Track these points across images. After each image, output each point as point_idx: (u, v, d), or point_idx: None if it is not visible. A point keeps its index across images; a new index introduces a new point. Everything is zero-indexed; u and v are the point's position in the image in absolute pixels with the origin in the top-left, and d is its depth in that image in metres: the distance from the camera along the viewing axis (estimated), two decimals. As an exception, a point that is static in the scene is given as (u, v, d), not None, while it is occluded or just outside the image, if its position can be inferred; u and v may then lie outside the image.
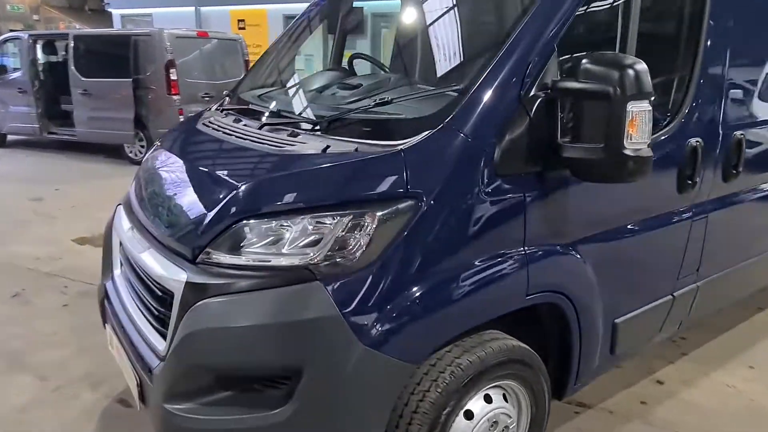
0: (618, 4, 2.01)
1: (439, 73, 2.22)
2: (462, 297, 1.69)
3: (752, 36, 2.58)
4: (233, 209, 1.67)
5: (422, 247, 1.63)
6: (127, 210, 2.32)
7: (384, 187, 1.64)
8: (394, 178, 1.64)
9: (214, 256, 1.67)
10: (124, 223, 2.25)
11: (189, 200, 1.89)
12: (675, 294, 2.49)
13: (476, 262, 1.72)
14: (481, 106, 1.72)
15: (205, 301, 1.61)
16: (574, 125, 1.73)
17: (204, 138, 2.25)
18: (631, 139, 1.65)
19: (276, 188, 1.71)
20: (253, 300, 1.59)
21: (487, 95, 1.72)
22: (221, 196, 1.72)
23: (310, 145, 1.83)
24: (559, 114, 1.75)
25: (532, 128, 1.75)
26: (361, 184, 1.67)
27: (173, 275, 1.72)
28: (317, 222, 1.61)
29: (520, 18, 1.85)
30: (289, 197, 1.67)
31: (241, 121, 2.24)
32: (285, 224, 1.62)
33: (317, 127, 1.93)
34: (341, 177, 1.68)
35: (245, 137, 2.03)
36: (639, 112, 1.65)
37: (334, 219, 1.60)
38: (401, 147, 1.69)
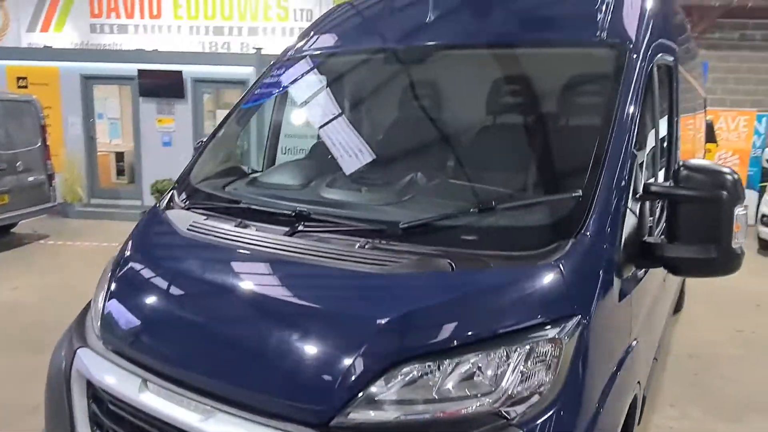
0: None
1: (520, 176, 2.21)
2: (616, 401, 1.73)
3: None
4: (380, 353, 1.46)
5: (595, 364, 1.61)
6: (123, 352, 1.85)
7: (553, 306, 1.58)
8: (558, 294, 1.60)
9: (356, 416, 1.42)
10: (117, 375, 1.80)
11: (296, 346, 1.56)
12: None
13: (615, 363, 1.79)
14: (609, 211, 1.76)
15: None
16: (678, 226, 1.83)
17: (230, 254, 1.96)
18: (736, 238, 1.80)
19: (429, 322, 1.53)
20: None
21: (611, 200, 1.77)
22: (354, 338, 1.50)
23: (419, 262, 1.69)
24: (656, 216, 2.00)
25: (640, 230, 1.91)
26: (528, 306, 1.57)
27: None
28: (488, 356, 1.46)
29: (611, 116, 1.92)
30: (448, 331, 1.50)
31: (248, 226, 2.09)
32: (449, 363, 1.45)
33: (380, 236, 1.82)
34: (503, 300, 1.59)
35: (298, 252, 1.84)
36: (740, 214, 1.79)
37: (508, 350, 1.48)
38: (557, 259, 1.63)
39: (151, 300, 1.94)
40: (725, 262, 1.80)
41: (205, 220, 2.24)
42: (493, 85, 2.59)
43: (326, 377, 1.48)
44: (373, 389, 1.45)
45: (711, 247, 1.78)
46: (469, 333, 1.50)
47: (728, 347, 4.71)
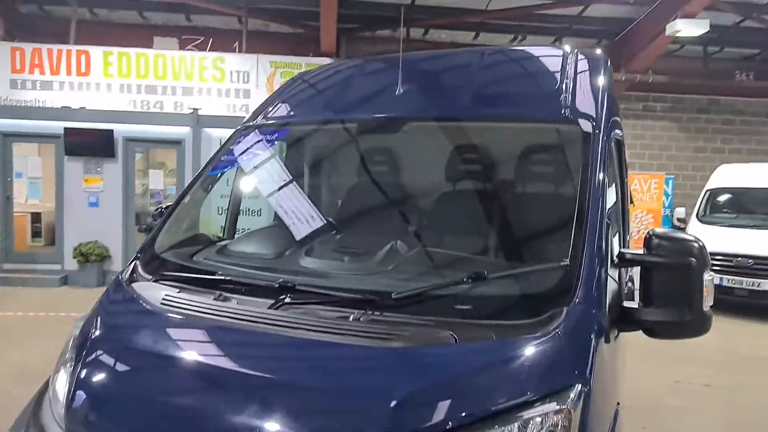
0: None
1: (502, 245, 2.28)
2: None
3: None
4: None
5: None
6: None
7: (559, 376, 1.61)
8: (562, 364, 1.63)
9: None
10: None
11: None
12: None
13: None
14: (595, 278, 1.82)
15: None
16: (652, 291, 1.92)
17: (216, 333, 1.85)
18: (706, 301, 1.90)
19: (446, 397, 1.51)
20: None
21: (595, 267, 1.84)
22: (368, 417, 1.46)
23: (417, 334, 1.69)
24: (630, 282, 2.07)
25: (619, 295, 2.00)
26: (537, 377, 1.59)
27: None
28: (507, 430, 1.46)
29: (585, 187, 2.04)
30: (466, 407, 1.49)
31: (228, 299, 2.01)
32: None
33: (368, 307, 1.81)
34: (513, 372, 1.60)
35: (289, 325, 1.78)
36: (708, 279, 1.90)
37: (524, 423, 1.47)
38: (556, 328, 1.67)
39: (133, 388, 1.77)
40: (698, 324, 1.89)
41: (178, 293, 2.11)
42: (466, 156, 2.69)
43: None
44: None
45: (684, 311, 1.87)
46: (487, 407, 1.50)
47: (669, 398, 4.93)
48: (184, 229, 2.75)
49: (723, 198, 9.80)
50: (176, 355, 1.82)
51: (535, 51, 2.77)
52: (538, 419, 1.50)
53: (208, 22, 12.36)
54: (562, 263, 1.86)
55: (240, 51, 11.93)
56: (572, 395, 1.57)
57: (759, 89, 13.48)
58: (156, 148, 10.42)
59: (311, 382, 1.63)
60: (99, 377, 1.84)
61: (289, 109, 2.98)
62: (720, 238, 8.54)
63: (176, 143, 9.73)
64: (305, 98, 3.06)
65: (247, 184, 3.15)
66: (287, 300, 1.93)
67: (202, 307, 1.98)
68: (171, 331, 1.96)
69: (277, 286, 2.00)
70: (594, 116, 2.28)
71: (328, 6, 10.30)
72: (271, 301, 1.94)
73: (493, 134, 2.57)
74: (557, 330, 1.67)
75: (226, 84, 11.46)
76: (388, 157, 2.88)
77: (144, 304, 2.09)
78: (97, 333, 2.02)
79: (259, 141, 2.88)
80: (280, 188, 2.98)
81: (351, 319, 1.80)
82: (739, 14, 11.46)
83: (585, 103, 2.35)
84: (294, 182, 3.07)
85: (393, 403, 1.48)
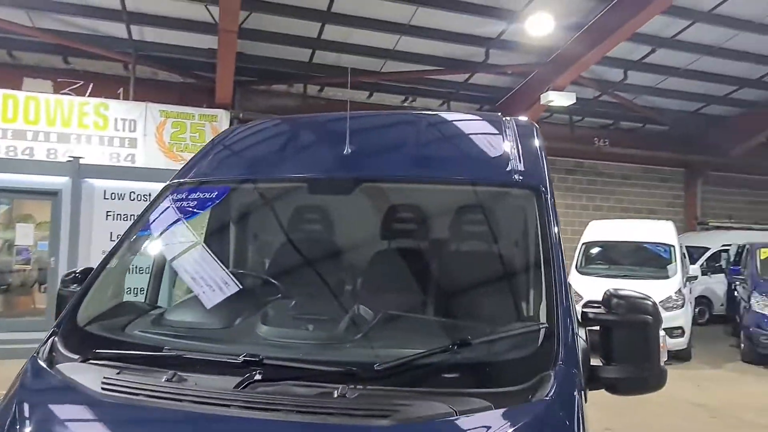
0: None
1: (476, 307, 2.29)
2: None
3: None
4: None
5: None
6: None
7: None
8: (561, 430, 1.66)
9: None
10: None
11: None
12: None
13: None
14: (570, 338, 1.86)
15: None
16: (612, 349, 1.97)
17: (180, 423, 1.64)
18: (661, 357, 1.98)
19: None
20: None
21: (568, 327, 1.89)
22: None
23: (415, 409, 1.61)
24: (591, 340, 2.03)
25: (586, 355, 2.00)
26: None
27: None
28: None
29: (548, 249, 2.12)
30: None
31: (184, 379, 1.78)
32: None
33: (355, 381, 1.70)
34: None
35: (268, 407, 1.62)
36: (662, 335, 2.01)
37: None
38: (548, 393, 1.67)
39: None
40: (657, 379, 1.95)
41: (119, 375, 1.83)
42: (421, 217, 2.71)
43: None
44: None
45: (644, 367, 1.93)
46: None
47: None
48: (110, 297, 2.45)
49: (596, 251, 10.81)
50: None
51: (474, 116, 2.91)
52: None
53: (89, 66, 11.56)
54: (541, 325, 1.88)
55: (126, 98, 11.27)
56: None
57: (614, 154, 15.31)
58: (25, 199, 9.32)
59: None
60: None
61: (226, 165, 2.82)
62: (597, 288, 9.29)
63: (51, 194, 8.78)
64: (244, 154, 2.92)
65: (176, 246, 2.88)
66: (256, 377, 1.76)
67: (155, 391, 1.73)
68: (123, 425, 1.69)
69: (240, 360, 1.82)
70: (542, 178, 2.41)
71: (225, 58, 10.15)
72: (237, 379, 1.75)
73: (449, 196, 2.61)
74: (550, 394, 1.66)
75: (109, 131, 10.70)
76: (338, 218, 2.82)
77: (80, 392, 1.77)
78: (26, 430, 1.68)
79: (193, 199, 2.68)
80: (234, 250, 2.77)
81: (336, 395, 1.67)
82: (598, 89, 13.09)
83: (532, 166, 2.47)
84: (235, 244, 2.88)
85: None
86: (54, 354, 2.01)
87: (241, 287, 2.23)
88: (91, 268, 2.64)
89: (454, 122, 2.98)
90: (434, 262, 2.64)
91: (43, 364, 1.95)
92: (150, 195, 8.73)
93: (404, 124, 2.84)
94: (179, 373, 1.81)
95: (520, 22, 10.28)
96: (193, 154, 10.63)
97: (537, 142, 2.66)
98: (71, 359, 1.96)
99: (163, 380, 1.78)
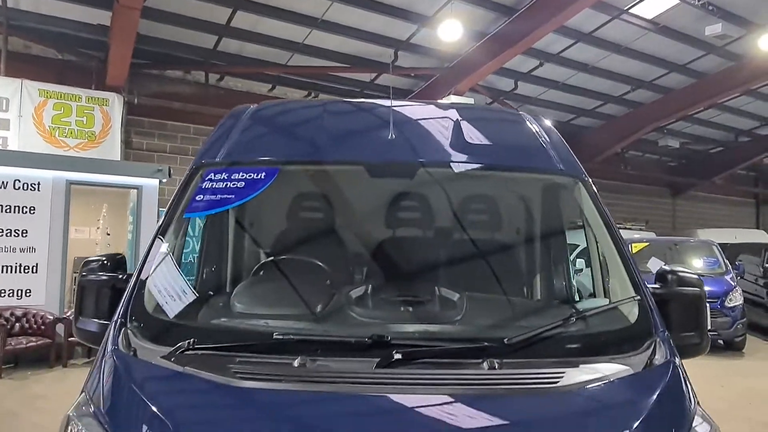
0: None
1: (553, 287, 2.62)
2: None
3: None
4: None
5: None
6: None
7: (689, 395, 1.82)
8: (685, 387, 1.84)
9: None
10: None
11: None
12: None
13: None
14: (654, 308, 2.07)
15: None
16: (670, 319, 2.12)
17: (354, 401, 1.62)
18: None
19: (662, 424, 1.65)
20: None
21: (650, 299, 2.09)
22: None
23: (572, 375, 1.75)
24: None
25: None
26: (686, 400, 1.79)
27: None
28: None
29: (610, 229, 2.33)
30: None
31: (321, 363, 1.75)
32: None
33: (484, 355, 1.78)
34: (672, 399, 1.77)
35: (430, 383, 1.68)
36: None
37: None
38: (666, 356, 1.90)
39: None
40: (705, 345, 2.18)
41: (239, 363, 1.75)
42: (480, 203, 2.78)
43: None
44: None
45: (697, 334, 2.16)
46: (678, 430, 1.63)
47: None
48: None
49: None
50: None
51: (501, 110, 3.05)
52: None
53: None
54: (636, 297, 2.08)
55: (-5, 73, 9.78)
56: (701, 413, 1.79)
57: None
58: None
59: None
60: None
61: (264, 145, 2.66)
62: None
63: None
64: (281, 135, 2.77)
65: (235, 227, 2.69)
66: (396, 356, 1.74)
67: (296, 375, 1.67)
68: (277, 409, 1.59)
69: (369, 341, 1.79)
70: (581, 168, 2.63)
71: (122, 37, 9.24)
72: (374, 360, 1.73)
73: (508, 183, 2.72)
74: (667, 357, 1.88)
75: (-24, 111, 9.23)
76: (398, 202, 2.79)
77: (216, 383, 1.65)
78: (178, 428, 1.51)
79: (238, 180, 2.50)
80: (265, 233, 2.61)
81: (486, 368, 1.72)
82: (490, 97, 14.05)
83: (569, 157, 2.66)
84: (287, 227, 2.72)
85: None
86: (140, 347, 1.80)
87: (346, 267, 2.17)
88: (119, 254, 2.40)
89: (485, 114, 3.10)
90: (504, 246, 2.74)
91: (146, 359, 1.74)
92: (36, 184, 7.78)
93: (442, 113, 2.89)
94: (308, 358, 1.73)
95: (430, 27, 10.71)
96: (80, 141, 9.96)
97: (559, 136, 2.87)
98: (169, 352, 1.78)
99: (296, 365, 1.69)
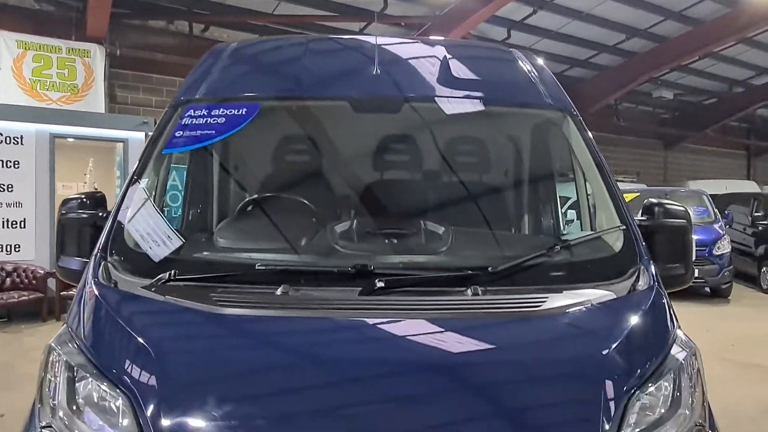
0: None
1: (540, 219, 2.65)
2: None
3: None
4: (617, 389, 1.50)
5: None
6: None
7: (673, 321, 1.86)
8: (669, 311, 1.86)
9: None
10: None
11: (533, 408, 1.47)
12: None
13: None
14: (639, 238, 2.05)
15: None
16: (655, 250, 2.10)
17: (336, 325, 1.65)
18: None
19: (634, 350, 1.65)
20: None
21: (636, 229, 2.08)
22: (592, 382, 1.51)
23: (555, 300, 1.75)
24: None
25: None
26: (666, 324, 1.81)
27: None
28: (673, 373, 1.63)
29: (599, 162, 2.30)
30: (648, 355, 1.65)
31: (304, 292, 1.75)
32: (658, 385, 1.58)
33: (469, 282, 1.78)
34: (655, 322, 1.80)
35: (414, 310, 1.69)
36: (693, 239, 2.22)
37: (679, 365, 1.66)
38: (650, 282, 1.89)
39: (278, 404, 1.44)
40: (689, 276, 2.20)
41: (221, 293, 1.74)
42: (465, 135, 2.73)
43: (582, 426, 1.45)
44: (627, 423, 1.46)
45: (681, 266, 2.16)
46: (656, 355, 1.64)
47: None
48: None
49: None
50: (317, 356, 1.51)
51: (490, 46, 2.96)
52: (687, 359, 1.70)
53: None
54: (621, 227, 2.06)
55: (-32, 23, 9.44)
56: (682, 336, 1.81)
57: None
58: None
59: (511, 358, 1.56)
60: (211, 405, 1.39)
61: (245, 82, 2.58)
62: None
63: None
64: (262, 71, 2.69)
65: (224, 171, 2.65)
66: (378, 285, 1.73)
67: (280, 303, 1.67)
68: (262, 335, 1.59)
69: (352, 271, 1.78)
70: (570, 102, 2.57)
71: (102, -16, 8.91)
72: (356, 289, 1.72)
73: (489, 117, 2.66)
74: (649, 284, 1.88)
75: None
76: (383, 137, 2.73)
77: (199, 311, 1.65)
78: (166, 357, 1.53)
79: (219, 116, 2.43)
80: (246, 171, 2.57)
81: (470, 294, 1.72)
82: (482, 46, 13.76)
83: (558, 92, 2.60)
84: (272, 165, 2.68)
85: (600, 365, 1.53)
86: (121, 279, 1.79)
87: (330, 201, 2.15)
88: (98, 192, 2.36)
89: (474, 50, 3.01)
90: (492, 183, 2.71)
91: (127, 290, 1.72)
92: (18, 137, 7.61)
93: (430, 49, 2.80)
94: (291, 287, 1.72)
95: (420, -27, 10.38)
96: (62, 94, 9.71)
97: (552, 74, 2.80)
98: (150, 283, 1.78)
99: (279, 293, 1.68)
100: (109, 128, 8.38)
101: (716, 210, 10.70)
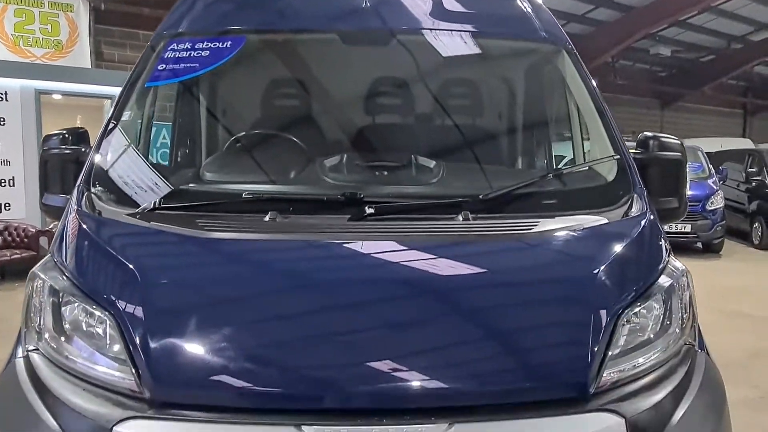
0: None
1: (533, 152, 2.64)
2: None
3: None
4: (608, 306, 1.49)
5: None
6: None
7: (665, 247, 1.83)
8: (661, 236, 1.85)
9: (612, 374, 1.42)
10: None
11: (526, 326, 1.47)
12: None
13: None
14: (633, 167, 2.01)
15: None
16: (649, 183, 2.04)
17: (326, 249, 1.62)
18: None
19: (627, 269, 1.65)
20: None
21: (630, 160, 2.03)
22: (581, 299, 1.51)
23: (547, 224, 1.74)
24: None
25: None
26: (659, 248, 1.81)
27: None
28: (665, 292, 1.63)
29: (593, 95, 2.24)
30: (640, 274, 1.65)
31: (287, 218, 1.69)
32: (648, 304, 1.58)
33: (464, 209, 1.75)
34: (647, 245, 1.80)
35: (406, 233, 1.67)
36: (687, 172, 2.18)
37: (673, 284, 1.66)
38: (643, 210, 1.86)
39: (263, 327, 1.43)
40: (683, 210, 2.17)
41: (208, 220, 1.71)
42: (457, 69, 2.65)
43: (574, 347, 1.43)
44: (615, 342, 1.46)
45: (675, 199, 2.13)
46: (646, 277, 1.64)
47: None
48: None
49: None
50: (306, 277, 1.51)
51: None
52: (679, 280, 1.70)
53: None
54: (616, 157, 2.03)
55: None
56: (674, 261, 1.80)
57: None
58: None
59: (507, 277, 1.56)
60: (194, 324, 1.40)
61: (229, 16, 2.49)
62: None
63: None
64: (249, 4, 2.58)
65: (212, 111, 2.59)
66: (368, 211, 1.70)
67: (268, 227, 1.65)
68: (262, 255, 1.61)
69: (342, 198, 1.74)
70: (566, 37, 2.50)
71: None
72: (345, 217, 1.69)
73: (481, 50, 2.58)
74: (642, 211, 1.86)
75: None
76: (372, 71, 2.66)
77: (185, 236, 1.63)
78: (148, 278, 1.49)
79: (203, 50, 2.35)
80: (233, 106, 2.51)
81: (461, 220, 1.70)
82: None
83: (554, 27, 2.53)
84: (262, 99, 2.61)
85: (590, 282, 1.52)
86: (105, 209, 1.76)
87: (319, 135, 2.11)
88: (81, 128, 2.31)
89: None
90: (485, 119, 2.66)
91: (112, 218, 1.70)
92: (3, 93, 7.44)
93: None
94: (279, 215, 1.68)
95: None
96: (46, 50, 9.41)
97: (548, 9, 2.72)
98: (135, 211, 1.76)
99: (266, 220, 1.65)
100: (96, 84, 8.20)
101: (710, 165, 10.67)
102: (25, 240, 7.55)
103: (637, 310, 1.54)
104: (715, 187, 10.08)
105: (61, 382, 1.41)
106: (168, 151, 2.82)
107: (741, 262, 9.58)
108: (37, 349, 1.51)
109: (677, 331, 1.58)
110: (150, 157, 2.41)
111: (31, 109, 7.61)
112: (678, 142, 2.23)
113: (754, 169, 11.36)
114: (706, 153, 11.11)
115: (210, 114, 2.81)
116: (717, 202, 9.83)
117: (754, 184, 11.16)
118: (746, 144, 16.85)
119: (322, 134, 2.49)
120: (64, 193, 2.11)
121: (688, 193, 2.33)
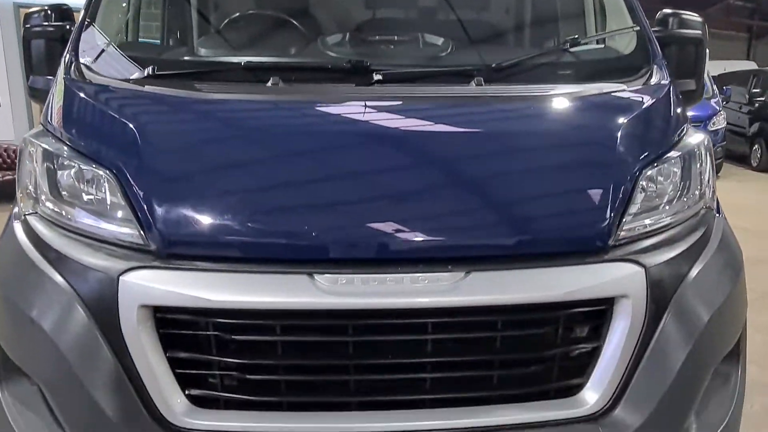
0: None
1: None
2: None
3: None
4: (630, 161, 1.47)
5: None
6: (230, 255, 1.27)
7: (685, 114, 1.77)
8: (680, 104, 1.77)
9: (632, 227, 1.41)
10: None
11: (549, 179, 1.45)
12: None
13: None
14: (653, 39, 1.90)
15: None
16: (668, 63, 1.90)
17: (338, 107, 1.57)
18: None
19: (649, 129, 1.63)
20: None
21: (649, 32, 1.91)
22: (604, 155, 1.48)
23: (563, 88, 1.71)
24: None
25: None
26: (681, 114, 1.74)
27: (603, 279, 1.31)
28: (686, 155, 1.58)
29: None
30: (663, 135, 1.61)
31: (291, 85, 1.58)
32: (669, 164, 1.54)
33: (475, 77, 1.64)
34: (671, 110, 1.71)
35: (421, 97, 1.61)
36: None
37: (693, 148, 1.61)
38: (664, 79, 1.76)
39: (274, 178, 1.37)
40: (700, 93, 2.13)
41: (206, 83, 1.62)
42: None
43: (594, 199, 1.41)
44: (634, 200, 1.44)
45: (693, 81, 2.05)
46: (666, 140, 1.60)
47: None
48: (117, 32, 2.04)
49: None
50: (310, 132, 1.44)
51: None
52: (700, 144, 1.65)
53: None
54: (635, 28, 1.92)
55: None
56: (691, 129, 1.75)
57: None
58: None
59: (532, 133, 1.52)
60: (200, 180, 1.36)
61: None
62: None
63: None
64: None
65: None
66: (376, 78, 1.60)
67: (274, 92, 1.55)
68: (266, 114, 1.53)
69: (348, 66, 1.64)
70: None
71: None
72: (351, 84, 1.61)
73: None
74: (664, 78, 1.78)
75: None
76: None
77: (181, 96, 1.54)
78: (147, 135, 1.41)
79: None
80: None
81: (474, 85, 1.61)
82: None
83: None
84: None
85: (611, 137, 1.49)
86: (95, 77, 1.64)
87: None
88: (64, 4, 2.14)
89: None
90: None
91: (103, 83, 1.58)
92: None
93: None
94: (282, 81, 1.58)
95: None
96: None
97: None
98: (128, 77, 1.63)
99: (269, 84, 1.55)
100: (78, -4, 7.78)
101: (715, 86, 10.46)
102: (16, 162, 7.38)
103: (656, 170, 1.50)
104: (717, 108, 9.93)
105: (64, 240, 1.37)
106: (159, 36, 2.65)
107: (739, 183, 9.57)
108: (35, 212, 1.45)
109: (696, 193, 1.57)
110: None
111: (11, 25, 7.25)
112: (700, 19, 2.10)
113: (758, 90, 11.15)
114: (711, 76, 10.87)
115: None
116: (719, 122, 9.72)
117: (757, 105, 10.99)
118: (751, 66, 16.51)
119: (325, 11, 2.34)
120: (50, 74, 1.99)
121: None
